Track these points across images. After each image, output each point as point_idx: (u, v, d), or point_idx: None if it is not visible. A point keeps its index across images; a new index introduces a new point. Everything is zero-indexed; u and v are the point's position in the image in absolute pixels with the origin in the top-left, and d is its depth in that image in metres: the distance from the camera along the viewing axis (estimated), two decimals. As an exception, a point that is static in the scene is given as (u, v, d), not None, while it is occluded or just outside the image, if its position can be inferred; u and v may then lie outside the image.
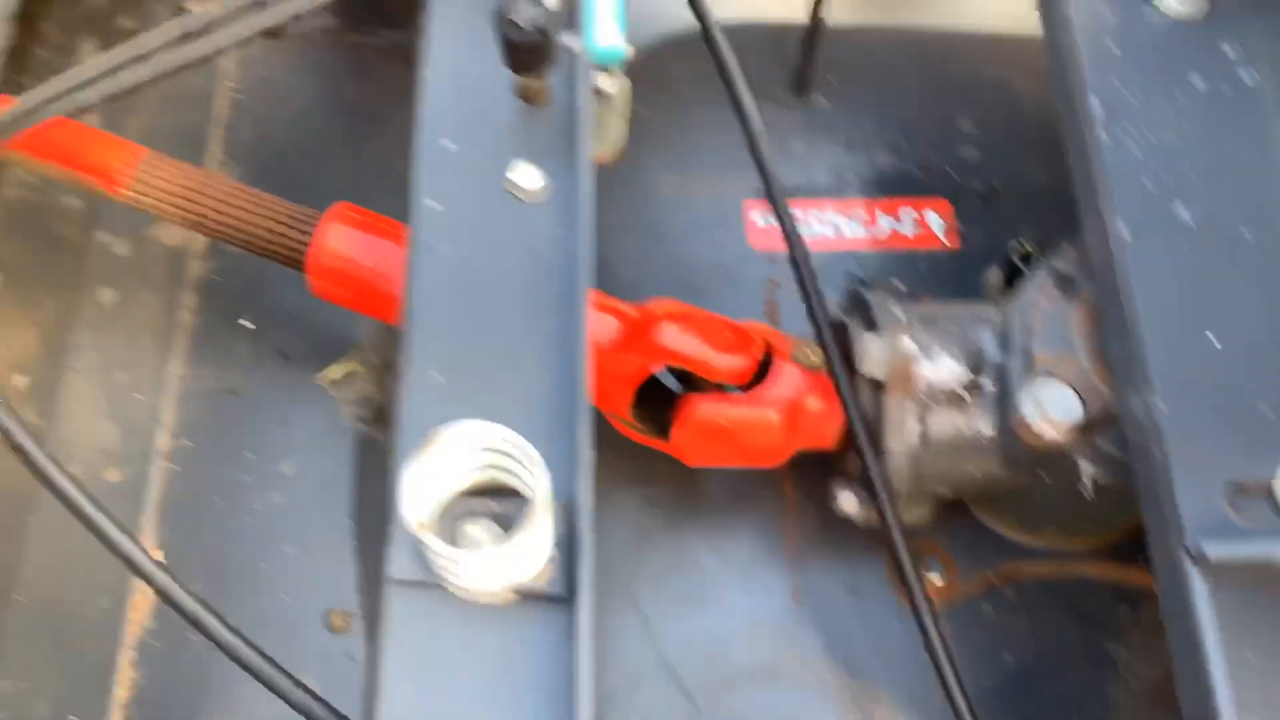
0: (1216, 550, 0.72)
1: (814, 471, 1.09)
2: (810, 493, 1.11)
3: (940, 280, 1.24)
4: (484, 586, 0.68)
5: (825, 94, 1.34)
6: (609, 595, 1.07)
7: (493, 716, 0.67)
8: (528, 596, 0.70)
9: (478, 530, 0.70)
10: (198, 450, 1.13)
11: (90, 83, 0.90)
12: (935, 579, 1.06)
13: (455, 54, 0.90)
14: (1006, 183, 1.30)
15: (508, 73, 0.85)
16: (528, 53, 0.82)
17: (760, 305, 1.22)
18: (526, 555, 0.67)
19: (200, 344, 1.18)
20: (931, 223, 1.28)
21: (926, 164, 1.31)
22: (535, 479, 0.65)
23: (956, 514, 1.08)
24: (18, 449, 0.79)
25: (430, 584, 0.70)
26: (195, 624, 0.77)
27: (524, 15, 0.80)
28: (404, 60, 1.38)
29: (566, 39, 0.89)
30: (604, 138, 0.94)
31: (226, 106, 1.30)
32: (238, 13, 0.97)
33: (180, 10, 1.34)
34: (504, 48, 0.81)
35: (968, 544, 1.08)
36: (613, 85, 0.93)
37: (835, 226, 1.27)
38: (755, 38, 1.36)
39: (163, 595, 0.78)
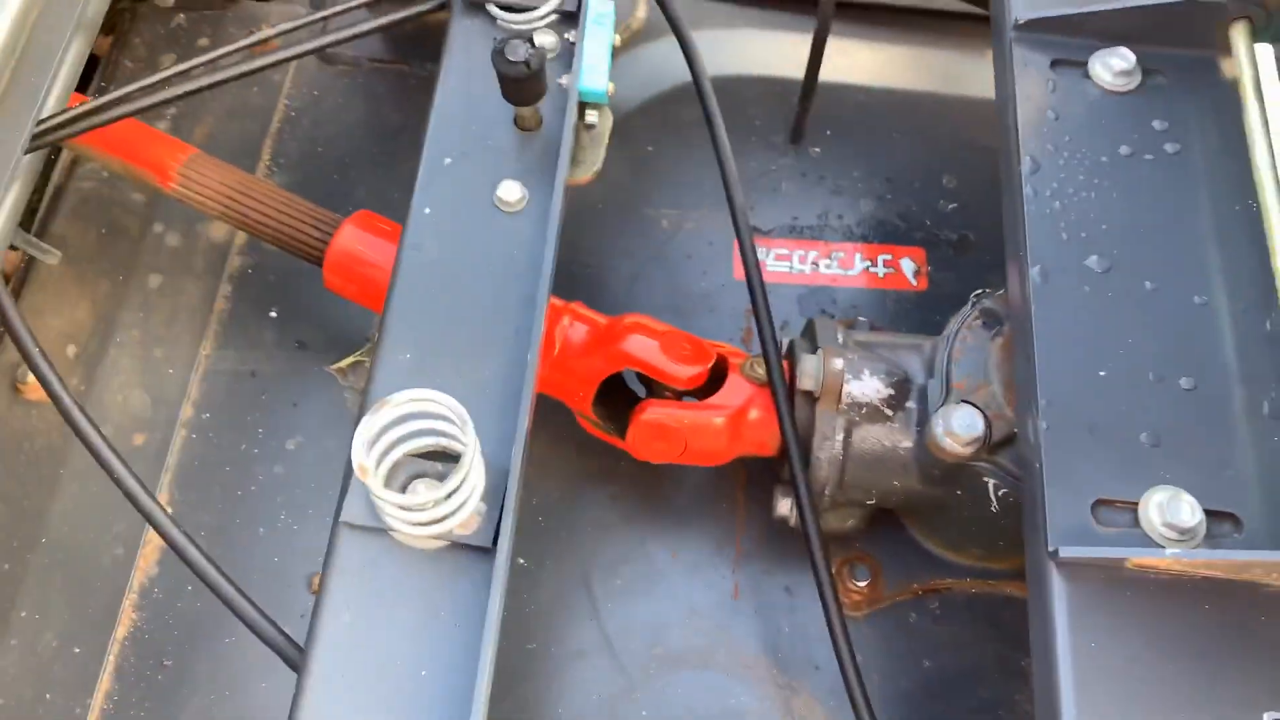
0: (1072, 551, 0.80)
1: (765, 482, 1.19)
2: (761, 501, 1.20)
3: (907, 319, 1.34)
4: (419, 531, 0.79)
5: (819, 144, 1.45)
6: (566, 578, 1.17)
7: (416, 645, 0.78)
8: (456, 544, 0.81)
9: (422, 486, 0.81)
10: (215, 423, 1.26)
11: (151, 89, 1.05)
12: (861, 583, 1.14)
13: (464, 83, 1.03)
14: (979, 235, 1.39)
15: (508, 104, 0.99)
16: (518, 85, 0.95)
17: (739, 331, 1.33)
18: (455, 505, 0.78)
19: (230, 329, 1.32)
20: (904, 267, 1.37)
21: (906, 213, 1.41)
22: (466, 436, 0.76)
23: (891, 528, 1.16)
24: (60, 407, 0.92)
25: (376, 529, 0.81)
26: (195, 570, 0.88)
27: (516, 53, 0.93)
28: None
29: (562, 78, 1.02)
30: (585, 162, 1.06)
31: (279, 120, 1.46)
32: (292, 34, 1.13)
33: (253, 33, 1.50)
34: (500, 80, 0.94)
35: (899, 556, 1.16)
36: (599, 119, 1.05)
37: (815, 264, 1.38)
38: (760, 90, 1.49)
39: (171, 543, 0.89)
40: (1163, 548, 0.81)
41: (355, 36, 1.15)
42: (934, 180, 1.43)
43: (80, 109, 1.00)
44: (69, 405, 0.91)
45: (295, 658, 0.80)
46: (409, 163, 1.43)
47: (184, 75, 1.05)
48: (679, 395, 1.10)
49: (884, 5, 1.49)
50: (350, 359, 1.31)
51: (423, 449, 0.82)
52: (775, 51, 1.51)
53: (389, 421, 0.78)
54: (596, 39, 1.03)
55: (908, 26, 1.51)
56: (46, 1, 0.94)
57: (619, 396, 1.14)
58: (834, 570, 1.14)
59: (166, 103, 1.06)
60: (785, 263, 1.37)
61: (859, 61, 1.49)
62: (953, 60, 1.50)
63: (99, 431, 0.92)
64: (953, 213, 1.41)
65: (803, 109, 1.41)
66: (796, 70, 1.45)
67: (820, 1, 1.31)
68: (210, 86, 1.07)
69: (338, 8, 1.15)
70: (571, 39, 1.04)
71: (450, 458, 0.82)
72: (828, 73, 1.39)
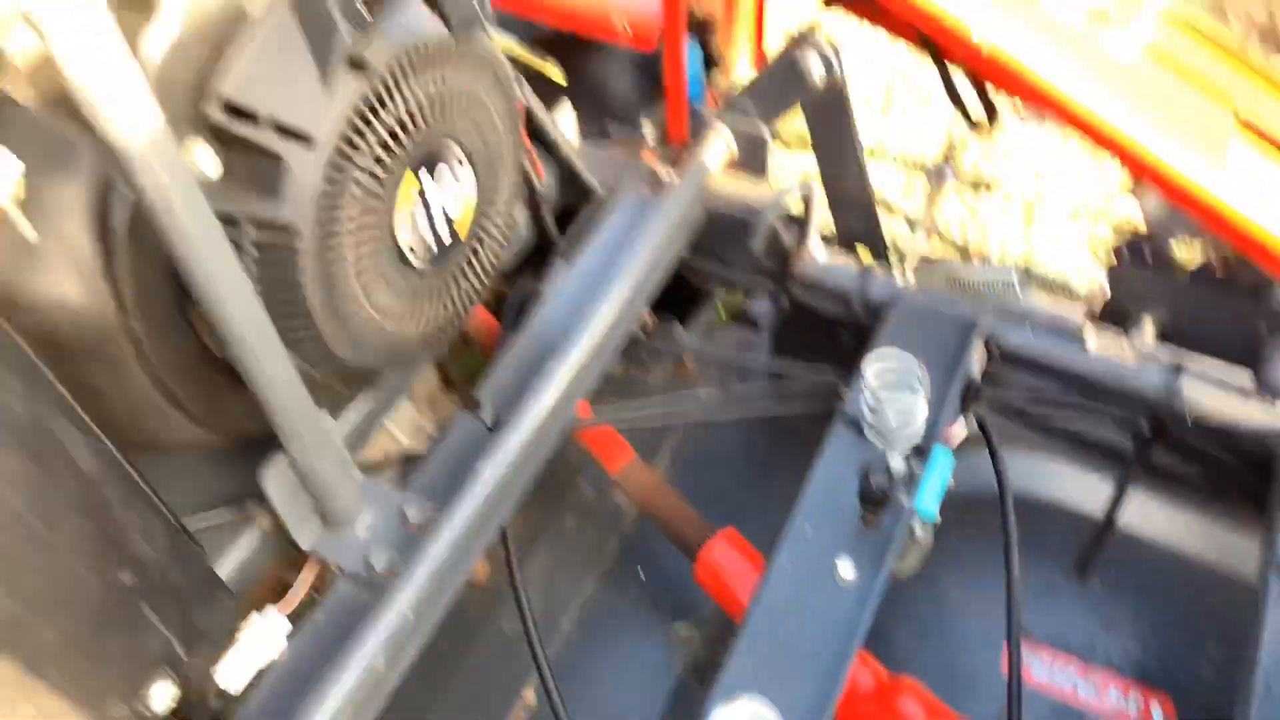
0: None
1: None
2: None
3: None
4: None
5: (1101, 579, 1.72)
6: None
7: None
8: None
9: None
10: (583, 637, 1.71)
11: (628, 411, 1.57)
12: None
13: (832, 477, 1.44)
14: (1229, 708, 1.57)
15: (857, 501, 1.38)
16: (872, 501, 1.35)
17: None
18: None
19: (610, 573, 1.78)
20: (1153, 714, 1.59)
21: (1166, 665, 1.63)
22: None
23: None
24: (517, 601, 1.40)
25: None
26: None
27: (876, 479, 1.34)
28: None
29: (905, 497, 1.40)
30: (907, 562, 1.42)
31: (678, 438, 1.96)
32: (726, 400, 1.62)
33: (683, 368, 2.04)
34: (860, 492, 1.35)
35: None
36: (922, 532, 1.41)
37: (1073, 683, 1.63)
38: (1058, 515, 1.78)
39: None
40: None
41: (758, 413, 1.63)
42: (1198, 644, 1.64)
43: (604, 419, 1.54)
44: (524, 601, 1.39)
45: None
46: (767, 493, 1.88)
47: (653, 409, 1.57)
48: (932, 760, 1.39)
49: (1178, 476, 1.73)
50: (687, 627, 1.72)
51: (742, 738, 1.19)
52: (1074, 485, 1.79)
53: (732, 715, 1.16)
54: (936, 475, 1.40)
55: (1194, 500, 1.74)
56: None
57: (884, 741, 1.45)
58: None
59: (636, 422, 1.58)
60: (1046, 672, 1.63)
61: (1151, 515, 1.74)
62: (1238, 540, 1.71)
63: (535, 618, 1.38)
64: (1209, 680, 1.61)
65: (1096, 546, 1.70)
66: (1090, 505, 1.72)
67: (1131, 459, 1.61)
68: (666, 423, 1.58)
69: (748, 388, 1.64)
70: (917, 470, 1.43)
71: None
72: (1121, 517, 1.66)
